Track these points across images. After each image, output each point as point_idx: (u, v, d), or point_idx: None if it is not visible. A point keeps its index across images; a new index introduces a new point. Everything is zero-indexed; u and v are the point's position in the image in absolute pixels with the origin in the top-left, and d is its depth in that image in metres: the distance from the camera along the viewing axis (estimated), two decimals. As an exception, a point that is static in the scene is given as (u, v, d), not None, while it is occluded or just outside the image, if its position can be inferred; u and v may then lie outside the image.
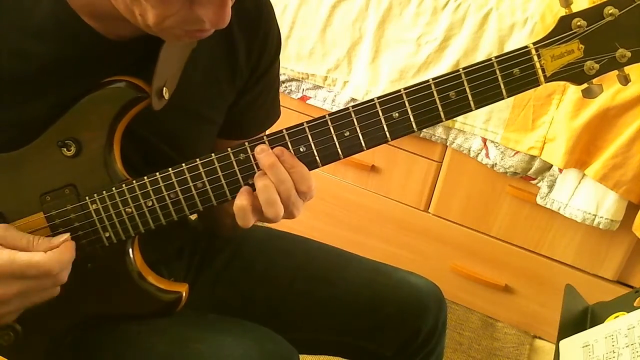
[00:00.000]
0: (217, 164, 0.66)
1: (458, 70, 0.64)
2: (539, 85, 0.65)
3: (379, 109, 0.65)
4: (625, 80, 0.65)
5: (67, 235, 0.65)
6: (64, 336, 0.74)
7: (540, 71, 0.64)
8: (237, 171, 0.66)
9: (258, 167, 0.66)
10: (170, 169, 0.67)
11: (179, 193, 0.67)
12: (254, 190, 0.66)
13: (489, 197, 1.53)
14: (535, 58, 0.63)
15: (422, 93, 0.64)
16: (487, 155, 1.45)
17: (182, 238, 0.88)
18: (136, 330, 0.74)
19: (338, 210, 1.74)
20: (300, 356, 0.77)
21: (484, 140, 1.45)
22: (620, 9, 0.62)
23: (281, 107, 0.88)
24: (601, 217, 1.35)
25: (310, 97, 1.62)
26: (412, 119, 0.65)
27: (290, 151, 0.66)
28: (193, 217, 0.73)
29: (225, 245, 0.93)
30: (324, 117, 0.65)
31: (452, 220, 1.61)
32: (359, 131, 0.66)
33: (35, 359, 0.73)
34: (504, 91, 0.64)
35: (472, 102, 0.64)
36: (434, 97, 0.64)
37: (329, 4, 1.49)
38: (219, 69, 0.75)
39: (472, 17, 1.37)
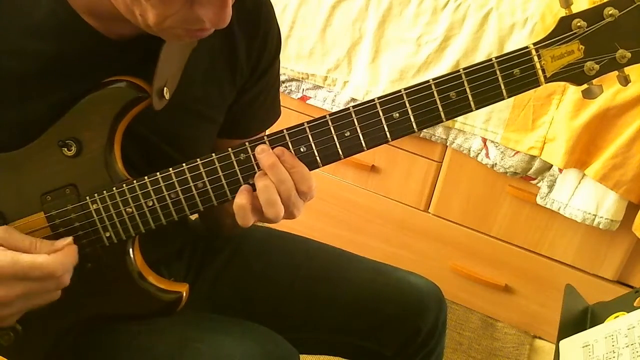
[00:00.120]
0: (217, 164, 0.66)
1: (458, 71, 0.64)
2: (539, 85, 0.65)
3: (379, 109, 0.65)
4: (625, 80, 0.65)
5: (70, 239, 0.65)
6: (64, 336, 0.74)
7: (540, 72, 0.64)
8: (238, 171, 0.67)
9: (259, 167, 0.66)
10: (170, 168, 0.67)
11: (180, 193, 0.67)
12: (255, 190, 0.66)
13: (489, 197, 1.53)
14: (536, 59, 0.64)
15: (422, 93, 0.64)
16: (487, 155, 1.45)
17: (182, 238, 0.88)
18: (136, 330, 0.74)
19: (338, 210, 1.74)
20: (301, 356, 0.77)
21: (484, 140, 1.45)
22: (620, 9, 0.62)
23: (281, 107, 0.88)
24: (601, 217, 1.35)
25: (310, 97, 1.63)
26: (412, 119, 0.65)
27: (290, 151, 0.66)
28: (193, 217, 0.73)
29: (225, 245, 0.93)
30: (324, 117, 0.66)
31: (452, 220, 1.61)
32: (359, 131, 0.66)
33: (35, 359, 0.73)
34: (504, 91, 0.64)
35: (472, 103, 0.65)
36: (434, 97, 0.64)
37: (329, 4, 1.49)
38: (219, 68, 0.75)
39: (472, 17, 1.37)
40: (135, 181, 0.67)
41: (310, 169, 0.67)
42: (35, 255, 0.61)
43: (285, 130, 0.66)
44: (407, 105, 0.65)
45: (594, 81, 0.65)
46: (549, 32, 0.64)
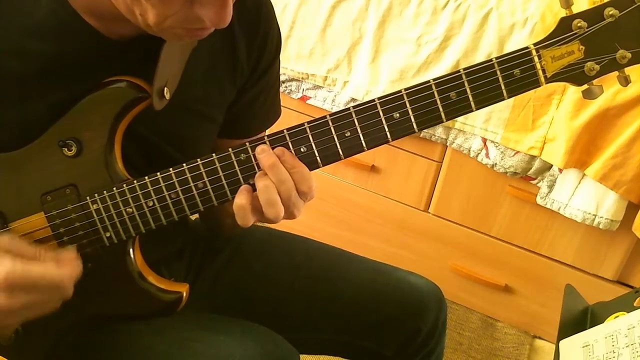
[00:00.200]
0: (218, 164, 0.66)
1: (459, 71, 0.64)
2: (539, 86, 0.65)
3: (379, 109, 0.65)
4: (625, 81, 0.65)
5: (75, 251, 0.65)
6: (64, 336, 0.74)
7: (540, 72, 0.64)
8: (238, 171, 0.67)
9: (259, 167, 0.66)
10: (171, 168, 0.67)
11: (180, 193, 0.67)
12: (255, 190, 0.66)
13: (489, 197, 1.53)
14: (536, 59, 0.64)
15: (423, 93, 0.65)
16: (487, 155, 1.45)
17: (182, 238, 0.88)
18: (136, 330, 0.74)
19: (338, 210, 1.74)
20: (301, 356, 0.77)
21: (484, 140, 1.45)
22: (620, 10, 0.62)
23: (281, 107, 0.88)
24: (601, 217, 1.35)
25: (310, 97, 1.63)
26: (412, 120, 0.65)
27: (291, 151, 0.66)
28: (194, 217, 0.73)
29: (225, 245, 0.93)
30: (324, 117, 0.66)
31: (452, 220, 1.61)
32: (359, 131, 0.66)
33: (35, 359, 0.73)
34: (504, 92, 0.64)
35: (472, 103, 0.65)
36: (434, 97, 0.64)
37: (329, 4, 1.49)
38: (219, 68, 0.75)
39: (472, 17, 1.37)
40: (135, 181, 0.67)
41: (311, 169, 0.67)
42: (45, 266, 0.60)
43: (285, 131, 0.66)
44: (408, 105, 0.65)
45: (594, 81, 0.65)
46: (550, 33, 0.64)
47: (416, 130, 0.66)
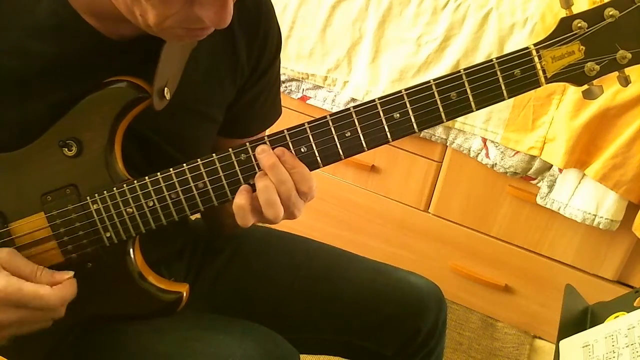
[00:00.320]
0: (218, 164, 0.66)
1: (459, 71, 0.64)
2: (539, 86, 0.65)
3: (380, 109, 0.65)
4: (625, 81, 0.65)
5: (71, 273, 0.66)
6: (64, 336, 0.74)
7: (541, 72, 0.64)
8: (238, 171, 0.67)
9: (259, 167, 0.66)
10: (171, 169, 0.67)
11: (180, 193, 0.67)
12: (255, 191, 0.66)
13: (489, 197, 1.53)
14: (536, 59, 0.64)
15: (423, 94, 0.65)
16: (487, 155, 1.45)
17: (182, 238, 0.88)
18: (136, 330, 0.74)
19: (338, 210, 1.74)
20: (301, 356, 0.77)
21: (484, 140, 1.45)
22: (620, 10, 0.62)
23: (282, 107, 0.88)
24: (601, 217, 1.35)
25: (310, 97, 1.63)
26: (413, 120, 0.65)
27: (291, 151, 0.66)
28: (194, 217, 0.73)
29: (225, 245, 0.93)
30: (325, 117, 0.66)
31: (452, 220, 1.61)
32: (360, 132, 0.66)
33: (35, 359, 0.73)
34: (504, 92, 0.64)
35: (473, 103, 0.65)
36: (435, 97, 0.64)
37: (329, 4, 1.49)
38: (220, 68, 0.75)
39: (472, 17, 1.37)
40: (135, 181, 0.67)
41: (311, 169, 0.67)
42: (39, 286, 0.62)
43: (285, 131, 0.66)
44: (408, 105, 0.65)
45: (595, 82, 0.65)
46: (550, 33, 0.64)
47: (416, 131, 0.66)
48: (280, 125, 0.74)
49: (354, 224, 1.74)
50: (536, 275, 1.56)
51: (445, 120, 0.65)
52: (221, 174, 0.67)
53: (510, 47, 1.36)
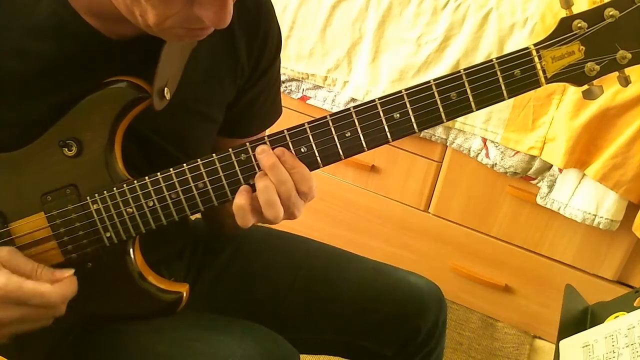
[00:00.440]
0: (218, 164, 0.66)
1: (459, 71, 0.64)
2: (539, 86, 0.65)
3: (380, 109, 0.65)
4: (625, 81, 0.65)
5: (71, 271, 0.66)
6: (64, 336, 0.74)
7: (541, 72, 0.64)
8: (238, 171, 0.67)
9: (259, 167, 0.66)
10: (171, 169, 0.67)
11: (180, 193, 0.67)
12: (255, 191, 0.66)
13: (489, 197, 1.53)
14: (536, 59, 0.64)
15: (423, 94, 0.65)
16: (487, 155, 1.45)
17: (182, 238, 0.88)
18: (136, 330, 0.74)
19: (338, 210, 1.74)
20: (301, 356, 0.77)
21: (484, 140, 1.45)
22: (620, 10, 0.62)
23: (282, 107, 0.88)
24: (601, 217, 1.35)
25: (310, 97, 1.63)
26: (413, 120, 0.65)
27: (291, 152, 0.66)
28: (194, 217, 0.73)
29: (225, 245, 0.93)
30: (325, 117, 0.66)
31: (452, 220, 1.61)
32: (360, 132, 0.66)
33: (36, 359, 0.73)
34: (504, 92, 0.64)
35: (473, 103, 0.65)
36: (435, 97, 0.64)
37: (329, 4, 1.49)
38: (220, 68, 0.75)
39: (472, 17, 1.37)
40: (135, 181, 0.67)
41: (311, 170, 0.67)
42: (39, 284, 0.62)
43: (285, 131, 0.66)
44: (408, 105, 0.65)
45: (595, 82, 0.65)
46: (550, 33, 0.64)
47: (416, 131, 0.66)
48: (280, 125, 0.74)
49: (354, 224, 1.74)
50: (536, 275, 1.56)
51: (445, 121, 0.65)
52: (221, 174, 0.67)
53: (510, 47, 1.35)
